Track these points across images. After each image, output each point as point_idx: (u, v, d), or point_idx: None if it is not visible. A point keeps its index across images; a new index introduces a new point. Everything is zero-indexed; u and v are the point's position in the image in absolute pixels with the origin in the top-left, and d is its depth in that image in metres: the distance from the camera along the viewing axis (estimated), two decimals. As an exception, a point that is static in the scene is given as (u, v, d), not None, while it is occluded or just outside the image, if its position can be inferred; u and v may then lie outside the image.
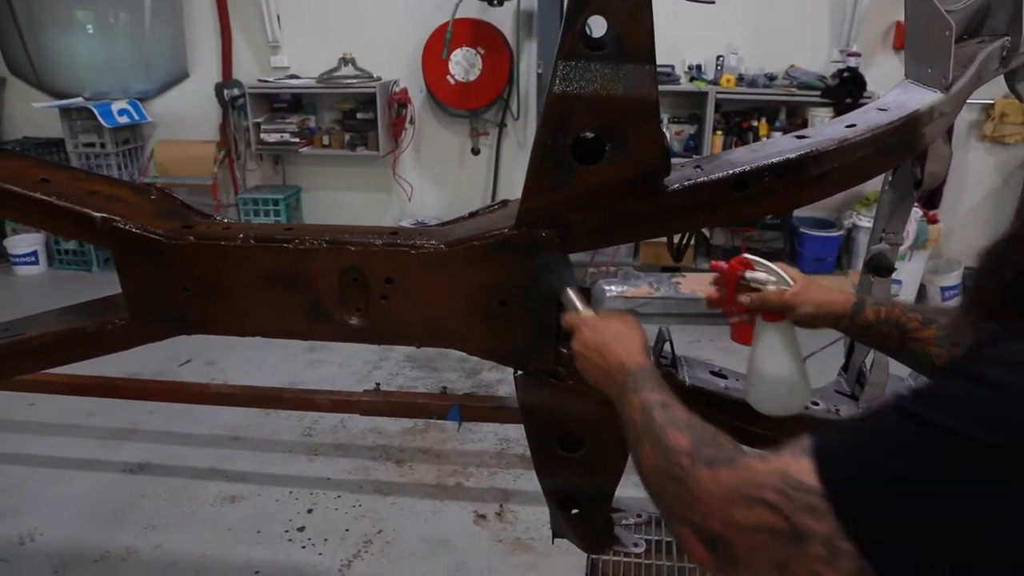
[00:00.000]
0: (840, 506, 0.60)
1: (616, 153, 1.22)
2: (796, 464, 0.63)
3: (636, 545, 1.72)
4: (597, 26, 1.18)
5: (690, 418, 0.82)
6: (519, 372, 1.48)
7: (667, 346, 1.49)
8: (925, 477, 0.57)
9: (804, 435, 0.66)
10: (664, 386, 0.92)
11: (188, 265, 1.41)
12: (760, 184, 1.27)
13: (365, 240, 1.37)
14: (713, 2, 1.23)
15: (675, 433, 0.79)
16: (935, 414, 0.58)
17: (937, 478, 0.56)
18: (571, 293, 1.22)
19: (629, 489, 1.60)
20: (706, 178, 1.28)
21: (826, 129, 1.34)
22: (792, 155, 1.27)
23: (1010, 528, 0.54)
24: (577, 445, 1.51)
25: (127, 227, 1.40)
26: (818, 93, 4.70)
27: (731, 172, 1.27)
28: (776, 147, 1.32)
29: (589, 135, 1.22)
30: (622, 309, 1.18)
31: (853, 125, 1.32)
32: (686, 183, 1.28)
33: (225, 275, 1.41)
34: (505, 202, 1.49)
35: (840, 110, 4.66)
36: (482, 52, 5.15)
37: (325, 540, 2.81)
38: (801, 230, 5.04)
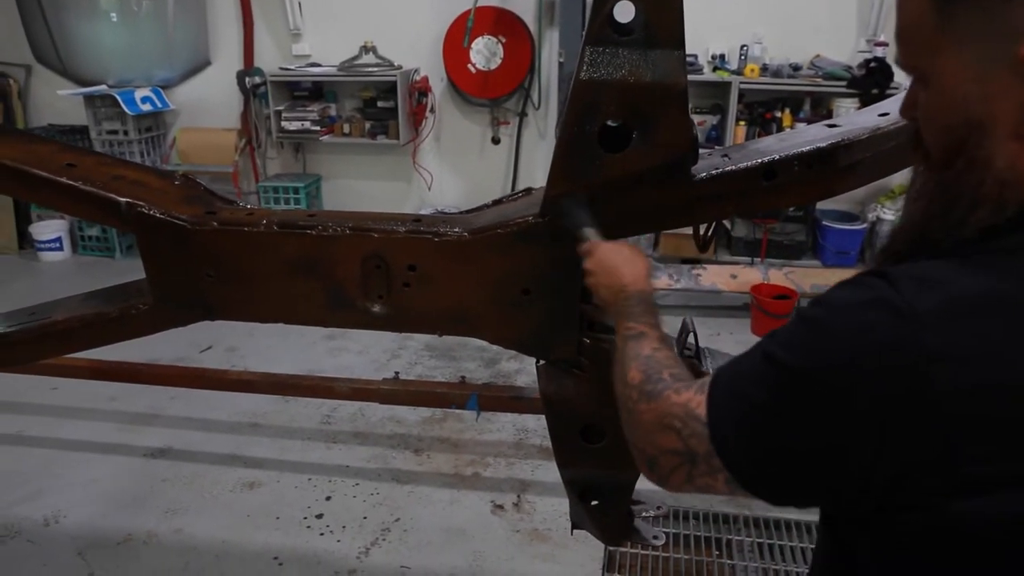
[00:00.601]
0: (714, 430, 0.73)
1: (643, 141, 1.21)
2: (696, 397, 0.76)
3: (656, 538, 1.70)
4: (625, 12, 1.16)
5: (652, 352, 0.91)
6: (541, 362, 1.47)
7: (691, 337, 1.47)
8: (765, 399, 0.68)
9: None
10: (650, 314, 1.00)
11: (211, 251, 1.41)
12: (790, 173, 1.25)
13: (388, 227, 1.36)
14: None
15: (634, 368, 0.89)
16: (775, 347, 0.69)
17: (770, 398, 0.68)
18: (588, 231, 1.21)
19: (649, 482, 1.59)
20: (734, 167, 1.26)
21: (858, 118, 1.32)
22: (823, 144, 1.24)
23: (819, 438, 0.64)
24: (599, 436, 1.49)
25: (151, 212, 1.40)
26: (844, 84, 4.62)
27: (760, 161, 1.25)
28: (806, 136, 1.30)
29: (616, 122, 1.21)
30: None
31: (886, 114, 1.29)
32: (714, 172, 1.26)
33: (248, 261, 1.41)
34: (529, 190, 1.47)
35: (866, 101, 4.58)
36: (503, 40, 5.12)
37: (343, 527, 2.82)
38: (824, 223, 4.97)
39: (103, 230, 5.80)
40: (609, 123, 1.21)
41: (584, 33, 1.18)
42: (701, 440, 0.74)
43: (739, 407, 0.71)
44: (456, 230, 1.34)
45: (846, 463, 0.63)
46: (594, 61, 1.17)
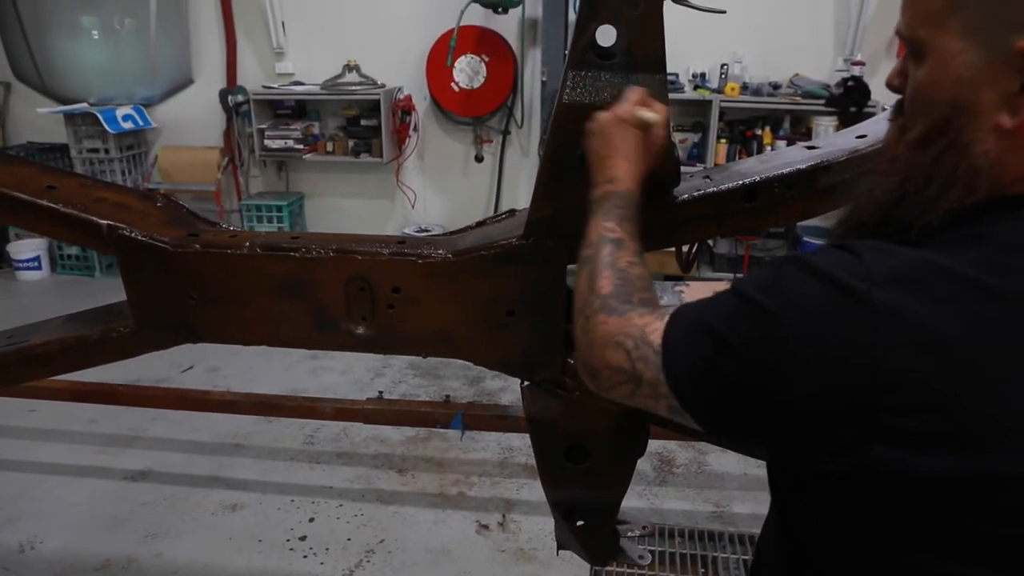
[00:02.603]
0: (667, 360, 0.75)
1: (626, 163, 1.21)
2: (655, 323, 0.78)
3: (642, 557, 1.70)
4: (607, 36, 1.17)
5: (628, 264, 0.91)
6: (526, 383, 1.47)
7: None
8: (728, 333, 0.70)
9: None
10: (630, 219, 0.98)
11: (194, 273, 1.40)
12: (770, 195, 1.26)
13: (372, 249, 1.36)
14: (724, 12, 1.23)
15: (605, 276, 0.89)
16: (747, 286, 0.71)
17: (734, 333, 0.70)
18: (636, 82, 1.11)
19: (634, 500, 1.59)
20: (716, 188, 1.27)
21: (836, 140, 1.33)
22: (802, 166, 1.26)
23: (770, 375, 0.67)
24: (583, 456, 1.49)
25: (133, 235, 1.39)
26: (822, 102, 4.70)
27: (741, 183, 1.26)
28: (786, 158, 1.31)
29: (598, 145, 1.21)
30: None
31: (864, 136, 1.31)
32: (696, 193, 1.27)
33: (231, 283, 1.40)
34: (512, 211, 1.48)
35: (845, 119, 4.66)
36: (486, 59, 5.15)
37: (327, 549, 2.79)
38: (804, 239, 5.03)
39: (82, 249, 5.74)
40: (592, 146, 1.22)
41: (566, 56, 1.19)
42: (649, 366, 0.76)
43: (700, 341, 0.73)
44: (440, 252, 1.34)
45: (789, 401, 0.66)
46: (576, 85, 1.18)
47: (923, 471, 0.61)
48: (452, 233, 1.48)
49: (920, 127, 0.72)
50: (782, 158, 1.31)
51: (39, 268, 5.73)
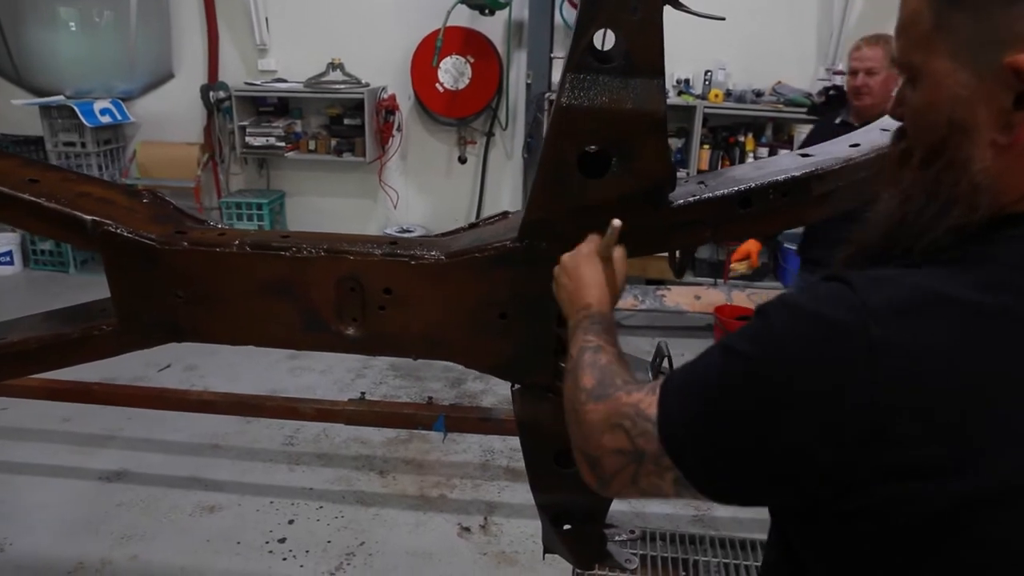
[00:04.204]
0: (664, 428, 0.74)
1: (622, 167, 1.21)
2: (647, 398, 0.77)
3: (628, 561, 1.69)
4: (606, 40, 1.17)
5: (608, 362, 0.92)
6: (516, 386, 1.46)
7: (665, 362, 1.48)
8: (719, 393, 0.70)
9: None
10: (609, 332, 1.01)
11: (181, 271, 1.37)
12: (765, 201, 1.27)
13: (364, 249, 1.34)
14: (723, 19, 1.23)
15: (588, 374, 0.91)
16: (734, 340, 0.71)
17: (725, 391, 0.69)
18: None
19: (616, 503, 1.59)
20: (711, 194, 1.27)
21: (830, 148, 1.34)
22: (797, 173, 1.26)
23: (769, 430, 0.66)
24: (573, 461, 1.49)
25: (119, 231, 1.36)
26: (804, 110, 4.75)
27: (736, 189, 1.27)
28: (780, 165, 1.32)
29: (595, 148, 1.21)
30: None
31: (857, 144, 1.32)
32: (691, 199, 1.27)
33: (219, 283, 1.37)
34: (506, 214, 1.47)
35: (825, 128, 4.71)
36: (472, 60, 5.14)
37: (307, 552, 2.76)
38: (785, 245, 5.07)
39: (56, 244, 5.63)
40: (589, 149, 1.21)
41: (565, 60, 1.19)
42: (650, 439, 0.75)
43: (692, 403, 0.73)
44: (433, 253, 1.33)
45: (794, 455, 0.65)
46: (575, 88, 1.17)
47: (929, 501, 0.61)
48: (444, 234, 1.46)
49: (922, 149, 0.72)
50: (776, 165, 1.32)
51: (11, 263, 5.62)
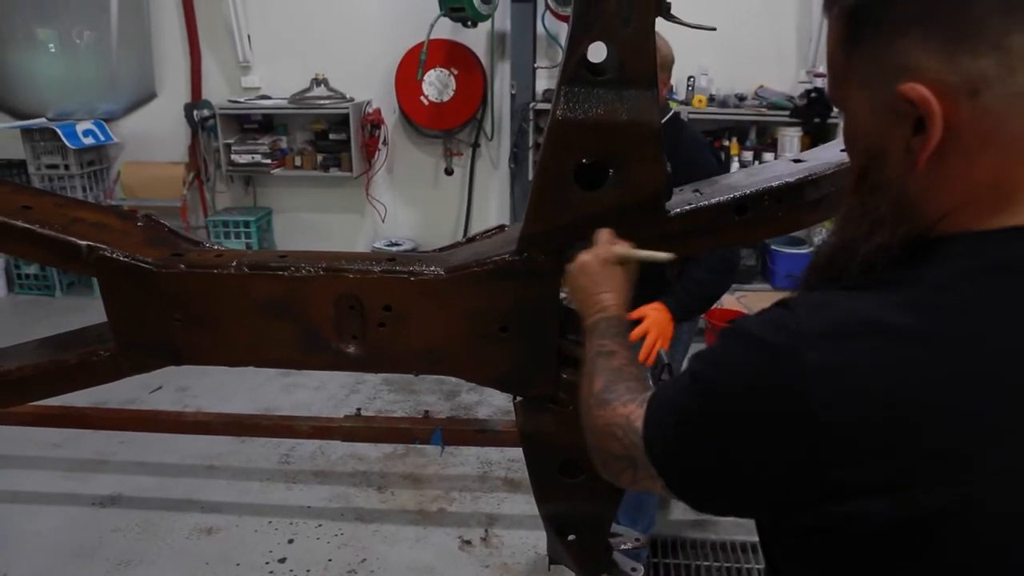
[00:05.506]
0: (647, 442, 0.80)
1: (618, 178, 1.22)
2: (636, 410, 0.84)
3: (634, 570, 1.70)
4: (599, 52, 1.18)
5: (619, 366, 0.99)
6: (519, 398, 1.47)
7: (666, 371, 1.49)
8: (687, 412, 0.75)
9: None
10: (620, 335, 1.08)
11: (179, 294, 1.37)
12: (760, 208, 1.28)
13: (363, 267, 1.34)
14: (714, 29, 1.24)
15: (598, 379, 0.97)
16: (698, 363, 0.76)
17: (692, 411, 0.75)
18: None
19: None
20: (707, 202, 1.29)
21: (823, 153, 1.36)
22: (791, 179, 1.28)
23: (725, 449, 0.70)
24: (577, 471, 1.49)
25: (115, 255, 1.36)
26: (787, 113, 4.79)
27: (732, 196, 1.28)
28: (774, 171, 1.34)
29: (591, 160, 1.22)
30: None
31: (848, 149, 1.33)
32: (687, 207, 1.28)
33: (218, 304, 1.37)
34: (503, 227, 1.48)
35: (809, 130, 4.76)
36: (456, 73, 5.15)
37: (308, 571, 2.74)
38: (773, 248, 5.11)
39: (41, 268, 5.57)
40: (585, 161, 1.22)
41: (559, 73, 1.20)
42: (639, 450, 0.81)
43: (668, 420, 0.79)
44: (432, 269, 1.34)
45: (749, 474, 0.69)
46: (569, 101, 1.19)
47: (877, 519, 0.63)
48: (442, 249, 1.47)
49: (851, 175, 0.77)
50: (770, 171, 1.33)
51: (-4, 288, 5.55)
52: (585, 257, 1.17)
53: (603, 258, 1.16)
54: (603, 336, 1.07)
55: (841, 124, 4.70)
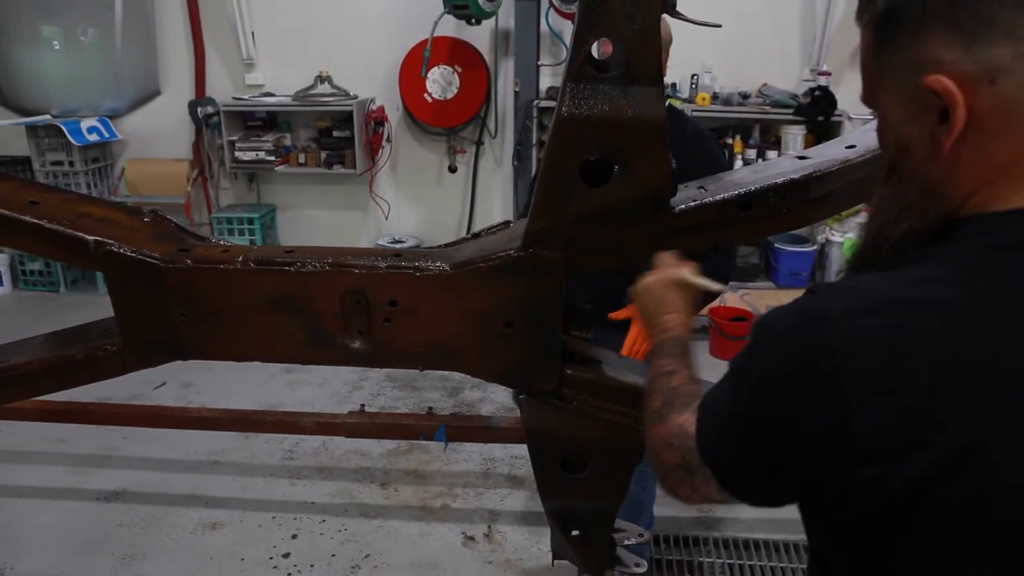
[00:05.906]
0: (701, 443, 0.83)
1: (623, 175, 1.23)
2: (690, 419, 0.87)
3: (638, 565, 1.70)
4: (604, 49, 1.19)
5: (679, 384, 1.01)
6: (522, 394, 1.47)
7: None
8: (732, 407, 0.79)
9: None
10: (682, 354, 1.10)
11: (185, 289, 1.38)
12: (765, 204, 1.28)
13: (369, 263, 1.35)
14: (719, 25, 1.25)
15: (657, 397, 1.00)
16: (736, 359, 0.79)
17: (736, 405, 0.79)
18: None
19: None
20: (712, 199, 1.29)
21: (827, 150, 1.36)
22: (796, 176, 1.28)
23: (772, 435, 0.74)
24: (581, 466, 1.50)
25: (122, 251, 1.36)
26: (791, 111, 4.78)
27: (736, 193, 1.29)
28: (779, 168, 1.34)
29: (597, 157, 1.22)
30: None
31: (853, 146, 1.34)
32: (692, 204, 1.29)
33: (224, 299, 1.38)
34: (508, 223, 1.48)
35: (812, 127, 4.76)
36: (459, 70, 5.15)
37: (311, 566, 2.75)
38: (776, 245, 5.10)
39: (46, 264, 5.59)
40: (590, 158, 1.23)
41: (564, 70, 1.20)
42: (693, 453, 0.84)
43: (717, 419, 0.82)
44: (438, 264, 1.34)
45: (786, 456, 0.73)
46: (575, 97, 1.19)
47: (912, 475, 0.66)
48: (447, 245, 1.47)
49: (883, 167, 0.83)
50: (775, 168, 1.33)
51: (0, 284, 5.57)
52: (649, 279, 1.22)
53: (665, 281, 1.21)
54: (665, 356, 1.10)
55: (844, 122, 4.69)
